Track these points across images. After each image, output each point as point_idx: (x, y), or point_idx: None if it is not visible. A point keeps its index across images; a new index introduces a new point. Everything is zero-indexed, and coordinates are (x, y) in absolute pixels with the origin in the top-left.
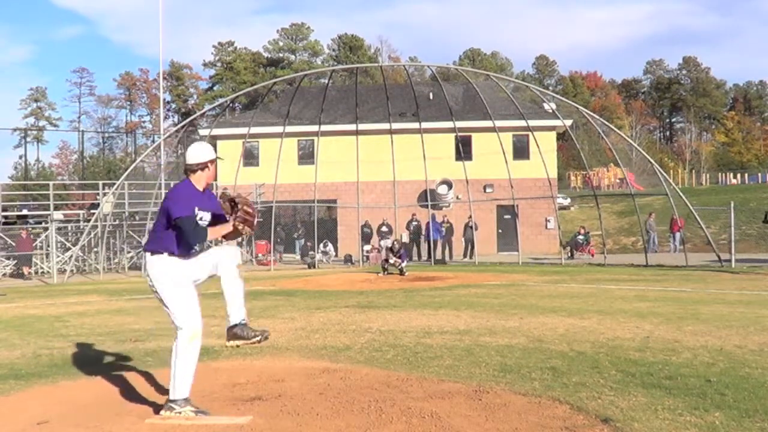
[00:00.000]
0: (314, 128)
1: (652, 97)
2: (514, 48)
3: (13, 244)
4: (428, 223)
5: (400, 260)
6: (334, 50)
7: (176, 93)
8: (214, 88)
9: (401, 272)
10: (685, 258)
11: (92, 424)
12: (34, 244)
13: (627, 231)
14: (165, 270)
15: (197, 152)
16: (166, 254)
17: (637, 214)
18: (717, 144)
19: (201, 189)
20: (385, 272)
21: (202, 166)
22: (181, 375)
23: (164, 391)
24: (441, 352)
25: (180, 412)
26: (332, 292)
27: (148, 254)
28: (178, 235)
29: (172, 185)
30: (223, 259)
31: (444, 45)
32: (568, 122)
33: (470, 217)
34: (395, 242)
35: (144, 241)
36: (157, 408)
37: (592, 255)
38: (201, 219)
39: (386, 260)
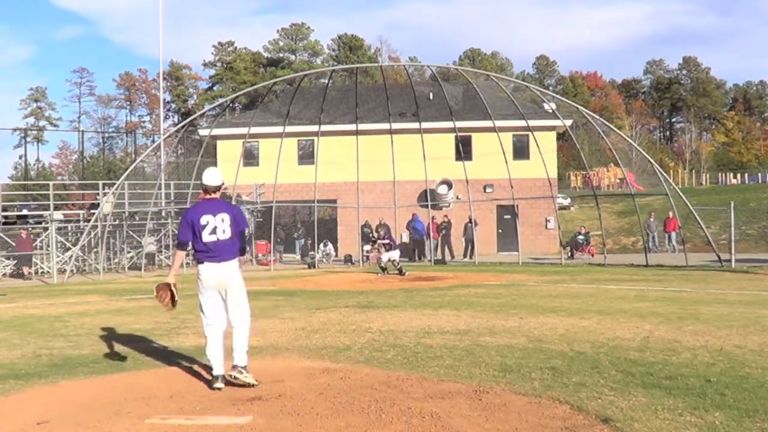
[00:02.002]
0: (314, 128)
1: (652, 97)
2: (514, 48)
3: (13, 244)
4: (412, 222)
5: (394, 253)
6: (334, 50)
7: (176, 93)
8: (214, 88)
9: (400, 272)
10: (685, 258)
11: (92, 424)
12: (34, 244)
13: (627, 231)
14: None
15: (219, 175)
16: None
17: (637, 214)
18: (717, 144)
19: None
20: (385, 272)
21: (223, 187)
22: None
23: (164, 390)
24: (441, 352)
25: (247, 376)
26: (332, 292)
27: (238, 260)
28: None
29: (172, 185)
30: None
31: (444, 45)
32: (568, 122)
33: (470, 217)
34: (378, 228)
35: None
36: (157, 408)
37: (592, 255)
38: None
39: (379, 256)
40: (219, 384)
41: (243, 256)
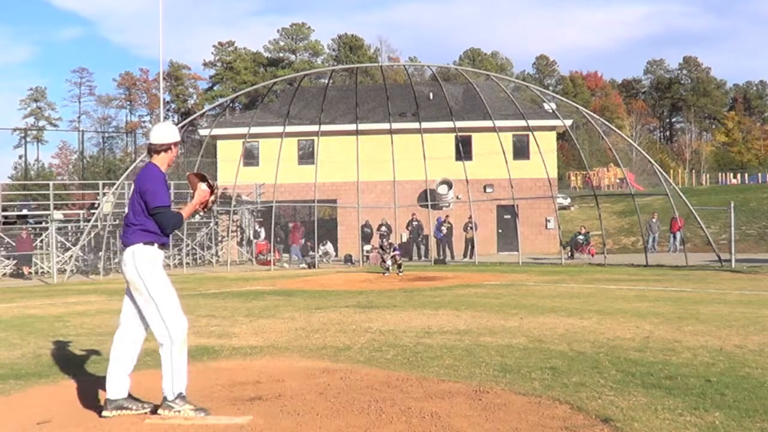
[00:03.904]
0: (314, 128)
1: (652, 97)
2: (514, 48)
3: (13, 244)
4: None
5: (397, 253)
6: (334, 50)
7: (175, 93)
8: (214, 88)
9: (399, 268)
10: (685, 258)
11: (92, 423)
12: (34, 244)
13: (627, 231)
14: (156, 263)
15: (162, 132)
16: (156, 246)
17: (637, 214)
18: (717, 144)
19: (164, 171)
20: (388, 271)
21: (166, 147)
22: (178, 375)
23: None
24: (441, 352)
25: (179, 411)
26: (332, 292)
27: (137, 246)
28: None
29: (172, 185)
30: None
31: (444, 45)
32: (568, 122)
33: (470, 217)
34: (384, 239)
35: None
36: (156, 408)
37: (592, 255)
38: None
39: (383, 260)
40: (106, 411)
41: (151, 243)
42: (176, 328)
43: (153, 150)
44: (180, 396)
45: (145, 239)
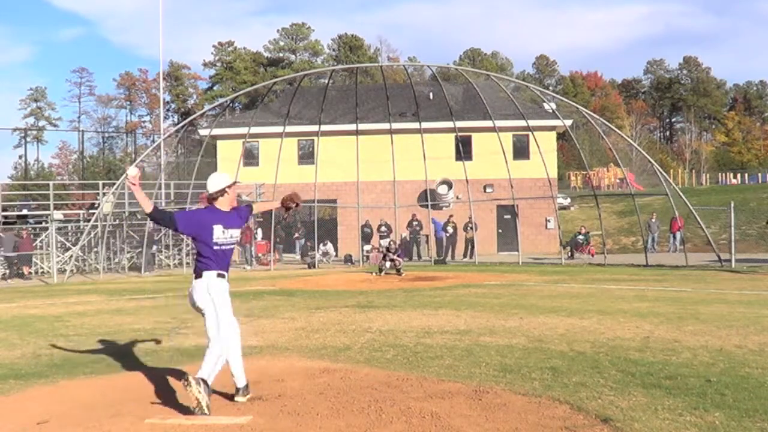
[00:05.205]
0: (314, 128)
1: (652, 97)
2: (514, 48)
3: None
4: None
5: (399, 259)
6: (334, 50)
7: (175, 93)
8: (214, 88)
9: (398, 272)
10: (685, 258)
11: (92, 423)
12: (34, 244)
13: (627, 231)
14: (221, 287)
15: (215, 182)
16: (214, 273)
17: (637, 214)
18: (717, 144)
19: (227, 209)
20: (382, 272)
21: (222, 192)
22: (206, 363)
23: (164, 390)
24: (441, 352)
25: (191, 388)
26: (332, 292)
27: (195, 276)
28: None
29: (172, 185)
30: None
31: (444, 45)
32: (568, 122)
33: (470, 217)
34: (391, 242)
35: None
36: (156, 408)
37: (592, 255)
38: (231, 237)
39: (384, 259)
40: (239, 396)
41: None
42: (225, 332)
43: (212, 198)
44: (201, 380)
45: (201, 268)
